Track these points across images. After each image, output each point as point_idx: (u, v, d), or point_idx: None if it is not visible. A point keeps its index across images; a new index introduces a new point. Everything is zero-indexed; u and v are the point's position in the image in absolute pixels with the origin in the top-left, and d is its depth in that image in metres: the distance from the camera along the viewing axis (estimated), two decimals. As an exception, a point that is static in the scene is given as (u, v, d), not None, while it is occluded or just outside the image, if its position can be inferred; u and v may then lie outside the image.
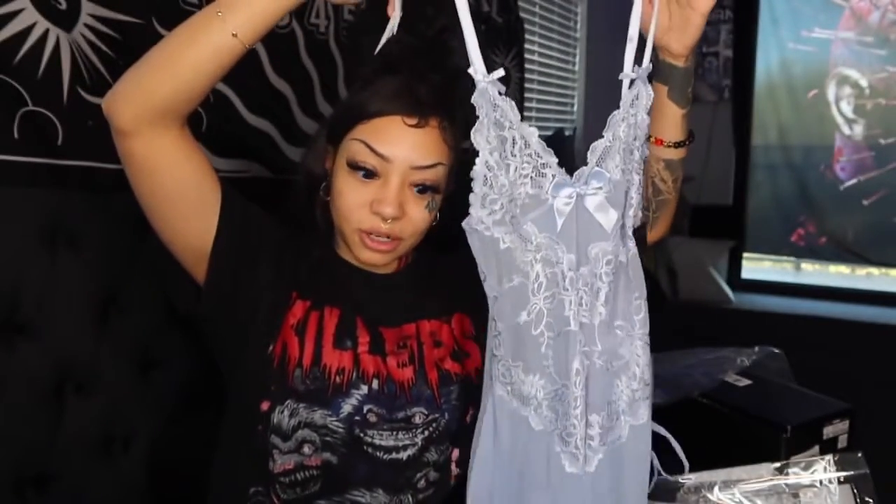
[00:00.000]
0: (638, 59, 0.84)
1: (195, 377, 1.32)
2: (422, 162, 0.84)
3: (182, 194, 0.83)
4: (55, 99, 1.13)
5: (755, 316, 3.86)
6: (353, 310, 0.91)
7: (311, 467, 0.86)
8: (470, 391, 0.90)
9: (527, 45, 2.99)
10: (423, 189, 0.86)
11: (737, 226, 4.34)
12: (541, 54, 3.43)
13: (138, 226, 1.25)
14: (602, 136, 0.82)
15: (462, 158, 0.90)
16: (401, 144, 0.83)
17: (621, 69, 0.83)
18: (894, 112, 4.06)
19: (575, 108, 3.80)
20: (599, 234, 0.81)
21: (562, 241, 0.79)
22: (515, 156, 0.78)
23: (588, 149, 0.81)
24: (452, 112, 0.86)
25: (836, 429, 1.30)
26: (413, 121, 0.83)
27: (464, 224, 0.83)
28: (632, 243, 0.84)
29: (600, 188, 0.80)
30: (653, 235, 1.03)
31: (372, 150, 0.83)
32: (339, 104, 0.93)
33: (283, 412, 0.84)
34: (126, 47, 1.25)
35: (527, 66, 3.00)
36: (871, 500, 0.85)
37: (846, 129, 4.20)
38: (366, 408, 0.86)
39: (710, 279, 4.16)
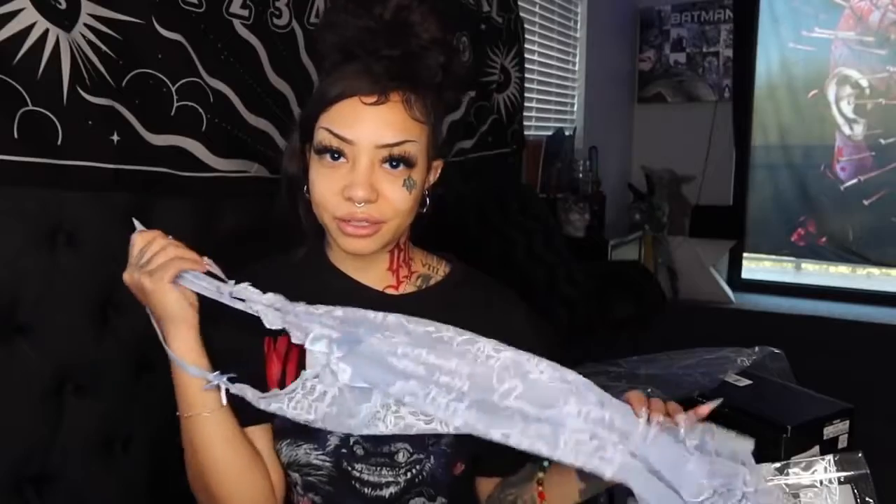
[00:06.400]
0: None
1: (195, 377, 1.32)
2: (386, 140, 0.81)
3: None
4: (55, 99, 1.13)
5: (755, 316, 3.87)
6: None
7: None
8: (464, 443, 0.83)
9: (527, 45, 2.99)
10: (394, 163, 0.81)
11: (737, 226, 4.34)
12: (541, 54, 3.43)
13: (138, 226, 1.26)
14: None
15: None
16: (361, 124, 0.80)
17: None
18: (894, 112, 4.06)
19: (575, 108, 3.80)
20: None
21: None
22: None
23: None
24: (417, 84, 0.82)
25: (836, 429, 1.30)
26: (371, 99, 0.80)
27: None
28: None
29: None
30: None
31: (334, 134, 0.81)
32: (306, 101, 0.90)
33: None
34: (126, 47, 1.25)
35: (527, 66, 3.00)
36: (871, 500, 0.84)
37: (846, 129, 4.20)
38: (352, 439, 0.83)
39: (710, 279, 4.17)
